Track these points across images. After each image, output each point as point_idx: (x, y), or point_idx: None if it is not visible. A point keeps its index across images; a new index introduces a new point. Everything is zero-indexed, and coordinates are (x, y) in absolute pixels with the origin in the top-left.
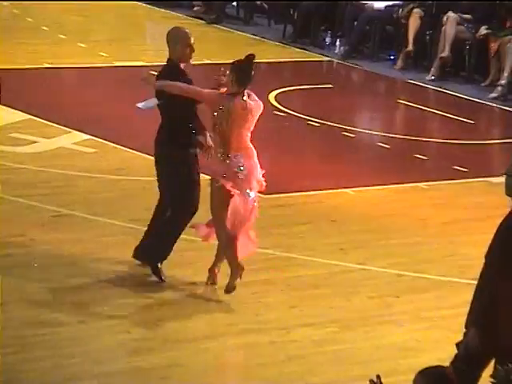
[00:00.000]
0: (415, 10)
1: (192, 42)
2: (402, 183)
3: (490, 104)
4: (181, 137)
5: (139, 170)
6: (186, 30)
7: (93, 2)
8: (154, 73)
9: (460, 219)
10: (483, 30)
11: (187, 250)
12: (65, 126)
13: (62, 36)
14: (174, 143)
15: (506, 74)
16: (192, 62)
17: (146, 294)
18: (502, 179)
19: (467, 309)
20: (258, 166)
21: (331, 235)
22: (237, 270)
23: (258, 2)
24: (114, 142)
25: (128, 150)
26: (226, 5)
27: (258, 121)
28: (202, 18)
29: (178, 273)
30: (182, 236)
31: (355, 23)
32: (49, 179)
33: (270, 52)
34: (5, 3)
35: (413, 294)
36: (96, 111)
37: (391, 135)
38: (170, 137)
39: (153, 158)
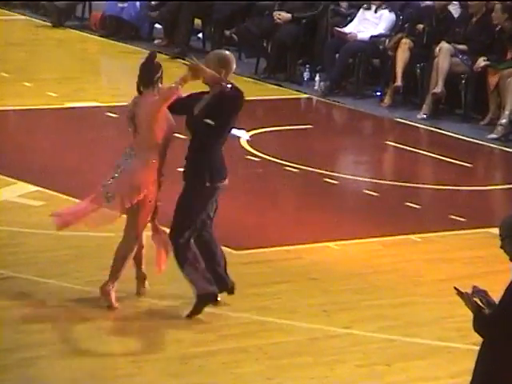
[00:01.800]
0: (404, 41)
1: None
2: (392, 235)
3: (490, 145)
4: None
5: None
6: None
7: (39, 35)
8: (111, 115)
9: (457, 276)
10: (481, 63)
11: None
12: (8, 176)
13: (3, 74)
14: None
15: (506, 112)
16: None
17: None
18: None
19: (468, 378)
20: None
21: (312, 295)
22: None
23: (227, 33)
24: (64, 194)
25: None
26: (190, 37)
27: (228, 167)
28: (163, 53)
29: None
30: None
31: (336, 56)
32: None
33: (241, 89)
34: None
35: (406, 362)
36: (44, 159)
37: (379, 181)
38: None
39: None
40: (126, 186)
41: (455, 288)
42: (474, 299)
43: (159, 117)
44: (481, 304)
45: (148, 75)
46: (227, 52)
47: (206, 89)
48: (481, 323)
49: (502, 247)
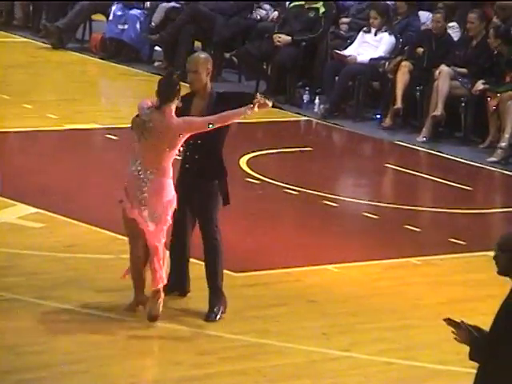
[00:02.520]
0: (404, 64)
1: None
2: (392, 258)
3: (490, 168)
4: None
5: (93, 246)
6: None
7: (39, 57)
8: (111, 137)
9: (457, 299)
10: (480, 85)
11: None
12: (8, 197)
13: (4, 96)
14: None
15: (506, 136)
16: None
17: None
18: None
19: None
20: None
21: (311, 318)
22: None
23: (227, 56)
24: (64, 216)
25: (81, 223)
26: None
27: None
28: (163, 75)
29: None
30: None
31: (336, 78)
32: None
33: None
34: None
35: None
36: (44, 181)
37: (379, 204)
38: None
39: (107, 232)
40: (165, 203)
41: (447, 319)
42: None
43: (181, 139)
44: (474, 332)
45: (165, 91)
46: (205, 53)
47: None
48: (480, 347)
49: (495, 258)
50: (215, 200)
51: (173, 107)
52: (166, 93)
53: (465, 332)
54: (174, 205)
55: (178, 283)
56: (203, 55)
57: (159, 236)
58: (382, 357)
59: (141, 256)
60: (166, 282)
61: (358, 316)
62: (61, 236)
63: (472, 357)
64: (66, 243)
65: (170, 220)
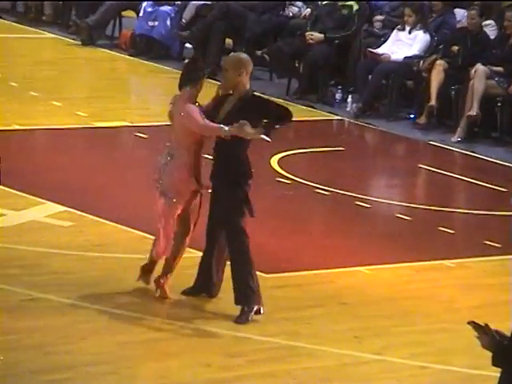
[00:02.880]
0: (438, 62)
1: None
2: (425, 260)
3: None
4: None
5: (122, 246)
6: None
7: (68, 53)
8: (140, 135)
9: (492, 302)
10: None
11: None
12: (37, 196)
13: (33, 93)
14: None
15: None
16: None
17: None
18: None
19: None
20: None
21: (343, 321)
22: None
23: (259, 53)
24: (93, 215)
25: (110, 223)
26: (221, 57)
27: (258, 188)
28: None
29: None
30: None
31: (369, 77)
32: (18, 258)
33: None
34: None
35: None
36: (73, 179)
37: (412, 205)
38: None
39: (136, 231)
40: (177, 184)
41: (471, 322)
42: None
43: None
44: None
45: (186, 74)
46: (244, 54)
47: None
48: (502, 352)
49: None
50: (237, 208)
51: (191, 93)
52: (186, 75)
53: (487, 337)
54: (191, 189)
55: (204, 285)
56: (240, 55)
57: (169, 211)
58: (414, 361)
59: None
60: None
61: (390, 319)
62: (89, 235)
63: (494, 362)
64: (95, 242)
65: (184, 203)
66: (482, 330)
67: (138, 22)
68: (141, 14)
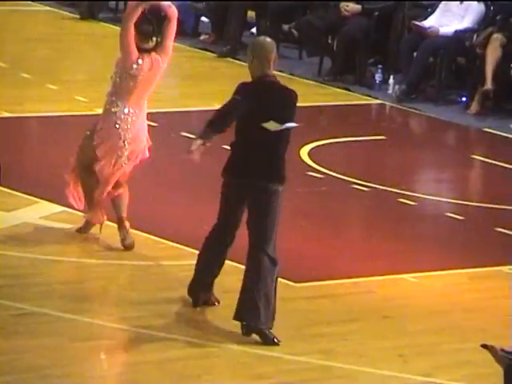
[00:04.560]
0: (495, 36)
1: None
2: (480, 267)
3: None
4: None
5: (129, 251)
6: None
7: (65, 29)
8: (150, 123)
9: None
10: None
11: None
12: (29, 194)
13: (24, 75)
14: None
15: None
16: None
17: None
18: None
19: None
20: None
21: (385, 337)
22: None
23: (286, 28)
24: None
25: (114, 224)
26: (242, 32)
27: (286, 185)
28: (211, 50)
29: None
30: None
31: (414, 54)
32: (8, 266)
33: (302, 93)
34: None
35: None
36: None
37: (464, 202)
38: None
39: (145, 235)
40: None
41: (483, 345)
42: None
43: None
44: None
45: None
46: (262, 37)
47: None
48: None
49: None
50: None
51: None
52: None
53: (503, 360)
54: None
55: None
56: (261, 40)
57: None
58: (468, 383)
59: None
60: None
61: (440, 335)
62: (89, 239)
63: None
64: (96, 247)
65: None
66: (495, 352)
67: None
68: None
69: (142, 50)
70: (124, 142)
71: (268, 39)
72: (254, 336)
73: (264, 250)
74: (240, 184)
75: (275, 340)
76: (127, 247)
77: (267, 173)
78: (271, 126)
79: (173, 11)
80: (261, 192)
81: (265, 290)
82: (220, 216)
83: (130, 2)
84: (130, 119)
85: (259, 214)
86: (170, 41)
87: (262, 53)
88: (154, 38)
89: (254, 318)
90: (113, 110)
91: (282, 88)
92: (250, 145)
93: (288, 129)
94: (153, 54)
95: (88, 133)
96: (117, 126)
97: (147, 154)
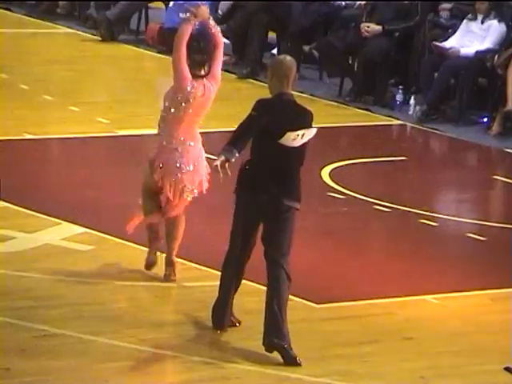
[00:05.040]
0: None
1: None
2: (503, 288)
3: None
4: None
5: (150, 272)
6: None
7: (86, 51)
8: None
9: None
10: None
11: None
12: (51, 216)
13: (46, 97)
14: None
15: None
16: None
17: None
18: None
19: None
20: None
21: (407, 358)
22: None
23: (306, 49)
24: (116, 236)
25: (136, 246)
26: (263, 53)
27: (307, 204)
28: (232, 72)
29: None
30: None
31: (435, 75)
32: (30, 287)
33: (323, 114)
34: None
35: None
36: (93, 196)
37: (486, 223)
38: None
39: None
40: None
41: (507, 368)
42: None
43: None
44: None
45: None
46: (281, 56)
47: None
48: None
49: None
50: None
51: None
52: None
53: None
54: None
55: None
56: (281, 58)
57: None
58: None
59: None
60: None
61: (462, 356)
62: (112, 260)
63: None
64: (119, 269)
65: None
66: None
67: (167, 14)
68: (170, 5)
69: (194, 76)
70: (183, 175)
71: (288, 57)
72: (275, 357)
73: (281, 265)
74: (254, 200)
75: (297, 359)
76: (168, 281)
77: (282, 189)
78: (287, 140)
79: (220, 38)
80: (276, 208)
81: (283, 306)
82: (234, 233)
83: (181, 25)
84: (186, 151)
85: (275, 229)
86: (219, 67)
87: (280, 71)
88: (207, 67)
89: (277, 333)
90: (170, 146)
91: (298, 106)
92: (266, 161)
93: (305, 143)
94: (204, 80)
95: (148, 170)
96: (177, 164)
97: (206, 185)
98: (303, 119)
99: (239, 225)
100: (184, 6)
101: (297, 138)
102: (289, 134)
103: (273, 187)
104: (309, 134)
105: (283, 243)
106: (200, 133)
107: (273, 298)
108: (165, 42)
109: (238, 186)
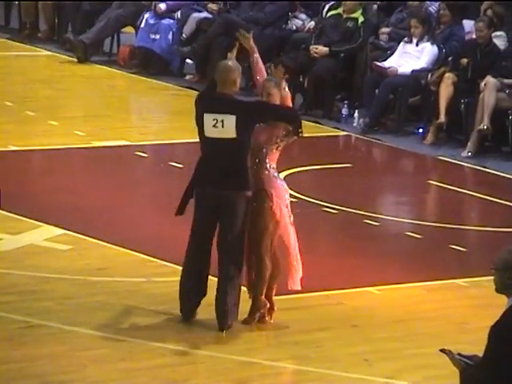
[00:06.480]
0: (447, 75)
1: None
2: (436, 280)
3: None
4: None
5: (124, 269)
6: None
7: (64, 71)
8: (140, 154)
9: None
10: None
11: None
12: (34, 219)
13: (29, 113)
14: None
15: None
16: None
17: None
18: None
19: None
20: None
21: (353, 344)
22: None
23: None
24: (93, 237)
25: (110, 245)
26: None
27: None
28: (195, 89)
29: None
30: None
31: (376, 91)
32: (15, 283)
33: None
34: None
35: None
36: (72, 200)
37: (422, 223)
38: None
39: (138, 254)
40: None
41: (442, 350)
42: (460, 358)
43: None
44: (468, 361)
45: None
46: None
47: None
48: (468, 376)
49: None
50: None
51: None
52: None
53: (459, 362)
54: None
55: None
56: (220, 63)
57: None
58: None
59: None
60: None
61: (401, 341)
62: (90, 258)
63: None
64: (96, 266)
65: None
66: (453, 356)
67: (139, 33)
68: (142, 25)
69: None
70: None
71: (229, 63)
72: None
73: (228, 252)
74: (205, 193)
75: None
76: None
77: (228, 181)
78: (208, 127)
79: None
80: (225, 200)
81: (234, 293)
82: (193, 226)
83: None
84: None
85: (225, 217)
86: None
87: (217, 74)
88: None
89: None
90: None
91: (222, 94)
92: (208, 156)
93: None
94: None
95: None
96: (286, 199)
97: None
98: (221, 104)
99: (195, 220)
100: (155, 27)
101: (216, 124)
102: (206, 116)
103: (218, 179)
104: (228, 121)
105: (233, 231)
106: (167, 143)
107: (224, 285)
108: (134, 58)
109: (192, 183)
